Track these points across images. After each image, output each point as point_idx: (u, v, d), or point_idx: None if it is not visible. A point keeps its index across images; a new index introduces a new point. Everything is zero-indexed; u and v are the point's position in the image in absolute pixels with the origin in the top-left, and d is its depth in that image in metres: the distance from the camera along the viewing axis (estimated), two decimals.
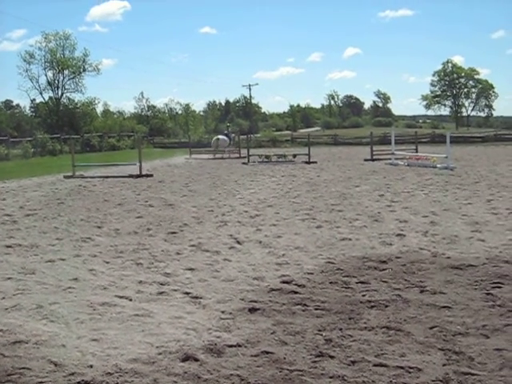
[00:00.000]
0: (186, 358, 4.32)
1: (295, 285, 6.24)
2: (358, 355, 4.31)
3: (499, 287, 5.98)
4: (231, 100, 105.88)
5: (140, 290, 6.20)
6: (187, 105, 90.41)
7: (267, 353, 4.39)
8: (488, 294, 5.77)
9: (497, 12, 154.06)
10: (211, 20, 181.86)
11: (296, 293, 5.95)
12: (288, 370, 4.10)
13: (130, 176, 20.59)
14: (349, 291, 5.96)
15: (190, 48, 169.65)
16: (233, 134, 38.89)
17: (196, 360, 4.29)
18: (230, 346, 4.54)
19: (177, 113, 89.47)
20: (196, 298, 5.89)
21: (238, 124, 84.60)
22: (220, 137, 35.79)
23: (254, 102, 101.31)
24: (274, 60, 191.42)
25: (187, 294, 6.04)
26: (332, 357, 4.29)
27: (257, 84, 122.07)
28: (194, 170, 23.67)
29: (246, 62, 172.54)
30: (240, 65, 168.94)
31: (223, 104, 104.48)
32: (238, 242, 8.62)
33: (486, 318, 5.06)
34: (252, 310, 5.43)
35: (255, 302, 5.68)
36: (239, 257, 7.73)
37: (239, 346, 4.56)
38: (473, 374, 3.96)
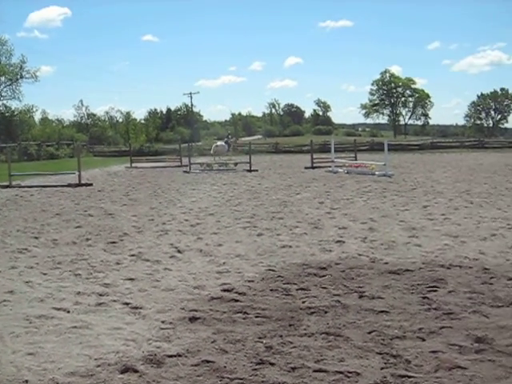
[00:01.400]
0: (126, 370, 4.25)
1: (236, 293, 6.24)
2: (298, 361, 4.33)
3: (435, 291, 6.14)
4: (172, 108, 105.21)
5: (78, 301, 6.07)
6: (128, 113, 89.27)
7: (208, 362, 4.37)
8: (424, 297, 5.91)
9: (433, 24, 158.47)
10: (153, 28, 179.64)
11: (237, 301, 5.94)
12: (228, 378, 4.09)
13: (69, 185, 20.16)
14: (289, 298, 6.00)
15: (131, 56, 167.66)
16: (232, 139, 40.68)
17: (135, 371, 4.23)
18: (170, 356, 4.50)
19: (117, 121, 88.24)
20: (136, 308, 5.81)
21: (179, 132, 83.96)
22: (219, 143, 36.85)
23: (195, 110, 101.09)
24: (216, 68, 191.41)
25: (127, 304, 5.95)
26: (272, 364, 4.31)
27: (198, 92, 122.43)
28: (134, 179, 23.39)
29: (188, 70, 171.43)
30: (182, 73, 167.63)
31: (164, 112, 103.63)
32: (179, 251, 8.55)
33: (422, 322, 5.18)
34: (192, 319, 5.39)
35: (195, 311, 5.64)
36: (180, 266, 7.68)
37: (179, 355, 4.52)
38: (409, 377, 4.04)
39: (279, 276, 6.92)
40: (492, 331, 4.89)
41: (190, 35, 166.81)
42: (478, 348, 4.55)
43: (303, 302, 5.82)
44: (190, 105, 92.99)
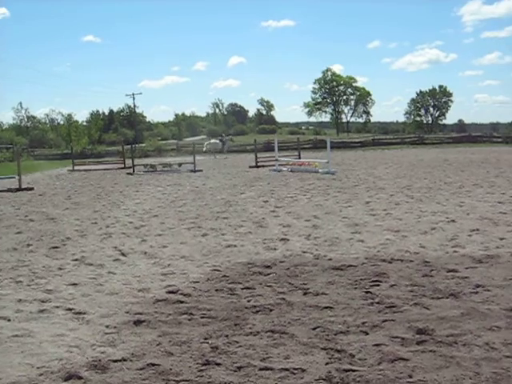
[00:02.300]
0: (69, 377, 4.18)
1: (181, 294, 6.21)
2: (244, 360, 4.35)
3: (377, 285, 6.26)
4: (115, 109, 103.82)
5: (19, 308, 5.92)
6: (69, 115, 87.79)
7: (153, 365, 4.34)
8: (367, 292, 6.02)
9: (373, 24, 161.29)
10: (94, 28, 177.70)
11: (182, 302, 5.92)
12: (174, 380, 4.07)
13: (9, 190, 19.62)
14: (234, 297, 6.01)
15: (72, 57, 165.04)
16: (228, 137, 45.57)
17: (79, 378, 4.16)
18: (115, 361, 4.44)
19: (58, 123, 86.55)
20: (79, 313, 5.71)
21: (122, 134, 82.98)
22: (212, 141, 41.39)
23: (138, 111, 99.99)
24: (159, 69, 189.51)
25: (70, 310, 5.84)
26: (218, 364, 4.31)
27: (140, 93, 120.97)
28: (76, 182, 22.97)
29: (131, 70, 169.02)
30: (124, 74, 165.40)
31: (107, 114, 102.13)
32: (123, 254, 8.45)
33: (365, 316, 5.27)
34: (137, 323, 5.34)
35: (140, 314, 5.59)
36: (124, 269, 7.59)
37: (124, 360, 4.47)
38: (354, 371, 4.11)
39: (224, 276, 6.93)
40: (433, 322, 5.03)
41: (133, 36, 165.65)
42: (420, 339, 4.67)
43: (248, 301, 5.84)
44: (132, 106, 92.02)
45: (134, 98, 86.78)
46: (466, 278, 6.47)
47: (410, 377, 3.99)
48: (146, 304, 5.94)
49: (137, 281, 6.93)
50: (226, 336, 4.89)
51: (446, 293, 5.90)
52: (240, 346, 4.64)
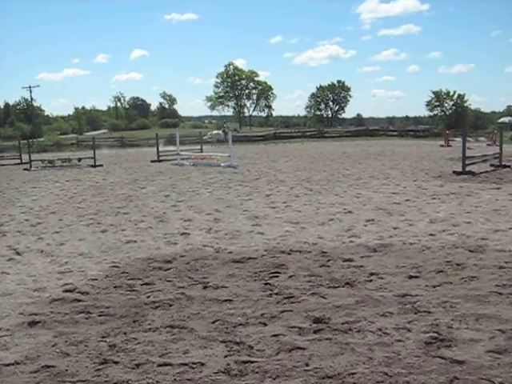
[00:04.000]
0: None
1: (78, 292, 6.05)
2: (143, 357, 4.30)
3: (276, 276, 6.36)
4: (11, 103, 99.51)
5: None
6: None
7: (48, 367, 4.20)
8: (266, 283, 6.10)
9: (274, 18, 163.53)
10: None
11: (79, 301, 5.76)
12: (70, 381, 3.97)
13: None
14: (133, 294, 5.92)
15: None
16: (230, 129, 46.06)
17: None
18: (8, 365, 4.27)
19: None
20: None
21: (19, 128, 79.70)
22: (215, 132, 44.18)
23: (36, 104, 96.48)
24: (59, 61, 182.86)
25: None
26: (116, 362, 4.24)
27: (38, 86, 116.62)
28: None
29: (28, 62, 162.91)
30: (21, 65, 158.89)
31: (2, 107, 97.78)
32: (18, 253, 8.13)
33: (264, 307, 5.35)
34: (32, 324, 5.15)
35: (35, 314, 5.39)
36: (18, 268, 7.29)
37: (17, 363, 4.30)
38: (252, 362, 4.16)
39: (123, 272, 6.82)
40: (329, 311, 5.17)
41: (29, 25, 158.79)
42: (316, 328, 4.79)
43: (148, 297, 5.78)
44: (29, 99, 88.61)
45: (31, 91, 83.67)
46: (361, 266, 6.70)
47: (307, 365, 4.08)
48: (41, 304, 5.74)
49: (32, 280, 6.68)
50: (125, 333, 4.81)
51: (342, 282, 6.08)
52: (138, 343, 4.58)
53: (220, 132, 43.70)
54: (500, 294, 5.57)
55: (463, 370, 3.94)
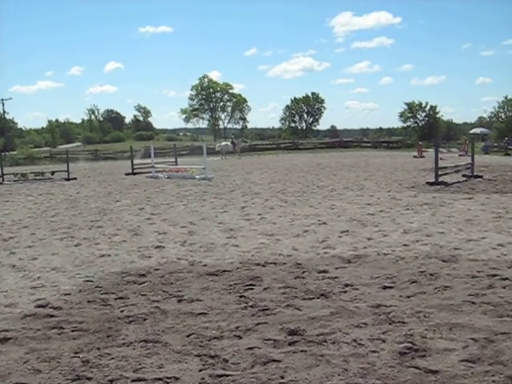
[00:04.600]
0: None
1: (51, 308, 5.96)
2: (117, 373, 4.25)
3: (251, 289, 6.35)
4: None
5: None
6: None
7: None
8: (241, 296, 6.08)
9: (249, 31, 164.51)
10: None
11: (52, 316, 5.68)
12: None
13: None
14: (107, 308, 5.85)
15: None
16: (240, 138, 50.24)
17: None
18: None
19: None
20: None
21: None
22: (223, 143, 45.33)
23: (8, 117, 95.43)
24: (32, 73, 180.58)
25: None
26: (89, 378, 4.17)
27: (10, 98, 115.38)
28: None
29: (1, 75, 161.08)
30: None
31: None
32: None
33: (239, 320, 5.32)
34: (3, 341, 5.05)
35: (7, 331, 5.29)
36: None
37: None
38: (227, 375, 4.13)
39: (97, 286, 6.74)
40: (304, 323, 5.17)
41: (1, 38, 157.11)
42: (291, 340, 4.78)
43: (121, 311, 5.71)
44: (2, 112, 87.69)
45: (3, 104, 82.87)
46: (336, 277, 6.72)
47: (282, 378, 4.07)
48: (12, 320, 5.64)
49: (3, 296, 6.57)
50: (98, 349, 4.75)
51: (317, 293, 6.09)
52: (112, 358, 4.53)
53: (228, 143, 44.87)
54: (473, 303, 5.62)
55: (437, 379, 3.97)
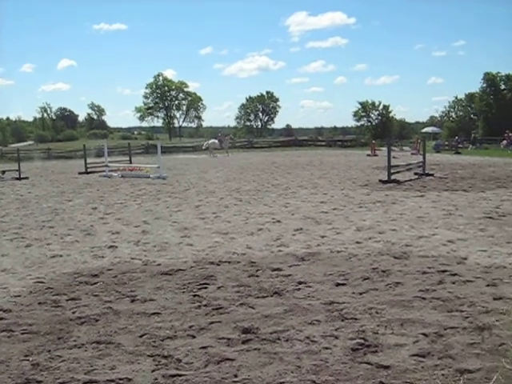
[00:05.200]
0: None
1: (0, 310, 5.82)
2: (68, 375, 4.18)
3: (205, 288, 6.33)
4: None
5: None
6: None
7: None
8: (195, 295, 6.06)
9: (204, 29, 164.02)
10: None
11: (1, 319, 5.54)
12: None
13: None
14: (58, 310, 5.76)
15: None
16: (227, 136, 49.36)
17: None
18: None
19: None
20: None
21: None
22: (211, 141, 44.96)
23: None
24: None
25: None
26: (39, 382, 4.10)
27: None
28: None
29: None
30: None
31: None
32: None
33: (192, 319, 5.30)
34: None
35: None
36: None
37: None
38: (180, 375, 4.11)
39: (48, 288, 6.62)
40: (257, 321, 5.18)
41: None
42: (245, 338, 4.78)
43: (73, 313, 5.63)
44: None
45: None
46: (290, 275, 6.76)
47: (236, 376, 4.07)
48: None
49: None
50: (49, 351, 4.67)
51: (271, 291, 6.12)
52: (63, 361, 4.45)
53: (216, 141, 44.88)
54: (423, 298, 5.73)
55: (389, 374, 4.03)
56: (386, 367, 4.13)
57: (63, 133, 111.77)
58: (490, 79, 66.60)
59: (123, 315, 5.49)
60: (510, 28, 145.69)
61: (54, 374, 4.22)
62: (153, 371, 4.21)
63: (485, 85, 67.28)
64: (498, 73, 67.01)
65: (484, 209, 11.89)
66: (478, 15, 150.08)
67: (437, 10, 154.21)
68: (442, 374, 4.00)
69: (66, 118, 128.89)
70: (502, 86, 66.81)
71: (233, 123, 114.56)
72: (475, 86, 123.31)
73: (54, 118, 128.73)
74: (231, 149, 47.87)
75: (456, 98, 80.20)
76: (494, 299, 5.66)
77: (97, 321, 5.37)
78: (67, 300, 6.08)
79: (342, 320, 5.17)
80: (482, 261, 7.33)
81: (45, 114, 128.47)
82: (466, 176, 20.40)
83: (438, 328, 4.88)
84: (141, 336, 4.92)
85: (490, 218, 10.69)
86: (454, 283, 6.29)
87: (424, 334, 4.74)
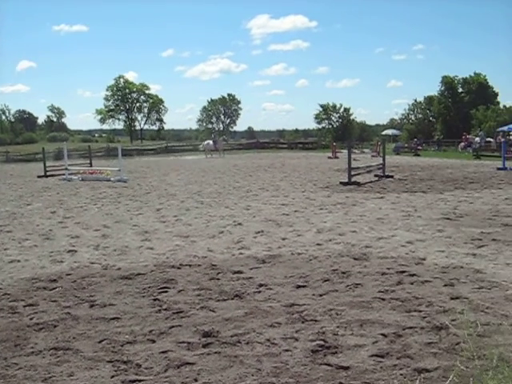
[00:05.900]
0: None
1: None
2: (25, 383, 4.10)
3: (165, 292, 6.29)
4: None
5: None
6: None
7: None
8: (155, 299, 6.02)
9: (166, 32, 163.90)
10: None
11: None
12: None
13: None
14: (15, 316, 5.64)
15: None
16: (221, 138, 50.90)
17: None
18: None
19: None
20: None
21: None
22: (205, 142, 47.15)
23: None
24: None
25: None
26: None
27: None
28: None
29: None
30: None
31: None
32: None
33: (152, 324, 5.26)
34: None
35: None
36: None
37: None
38: (140, 381, 4.07)
39: (5, 294, 6.48)
40: (218, 324, 5.17)
41: None
42: (205, 342, 4.76)
43: (31, 319, 5.53)
44: None
45: None
46: (251, 278, 6.76)
47: (196, 380, 4.05)
48: None
49: None
50: (5, 359, 4.57)
51: (232, 294, 6.11)
52: (20, 368, 4.37)
53: (210, 142, 46.29)
54: (382, 299, 5.80)
55: (348, 375, 4.06)
56: (346, 368, 4.17)
57: (22, 135, 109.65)
58: (448, 82, 68.05)
59: (82, 320, 5.42)
60: (468, 33, 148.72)
61: (10, 382, 4.13)
62: (112, 377, 4.16)
63: (443, 88, 68.73)
64: (456, 76, 68.56)
65: (442, 210, 12.10)
66: (437, 20, 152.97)
67: (396, 14, 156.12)
68: (401, 374, 4.05)
69: (25, 120, 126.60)
70: (460, 89, 68.26)
71: (195, 126, 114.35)
72: (434, 89, 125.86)
73: (13, 120, 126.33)
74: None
75: (415, 100, 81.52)
76: (451, 299, 5.76)
77: (55, 327, 5.28)
78: (24, 306, 5.97)
79: (303, 322, 5.19)
80: (440, 261, 7.45)
81: (3, 117, 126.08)
82: (425, 178, 20.75)
83: (396, 328, 4.94)
84: (100, 341, 4.86)
85: (448, 219, 10.88)
86: (412, 284, 6.38)
87: (383, 335, 4.79)
